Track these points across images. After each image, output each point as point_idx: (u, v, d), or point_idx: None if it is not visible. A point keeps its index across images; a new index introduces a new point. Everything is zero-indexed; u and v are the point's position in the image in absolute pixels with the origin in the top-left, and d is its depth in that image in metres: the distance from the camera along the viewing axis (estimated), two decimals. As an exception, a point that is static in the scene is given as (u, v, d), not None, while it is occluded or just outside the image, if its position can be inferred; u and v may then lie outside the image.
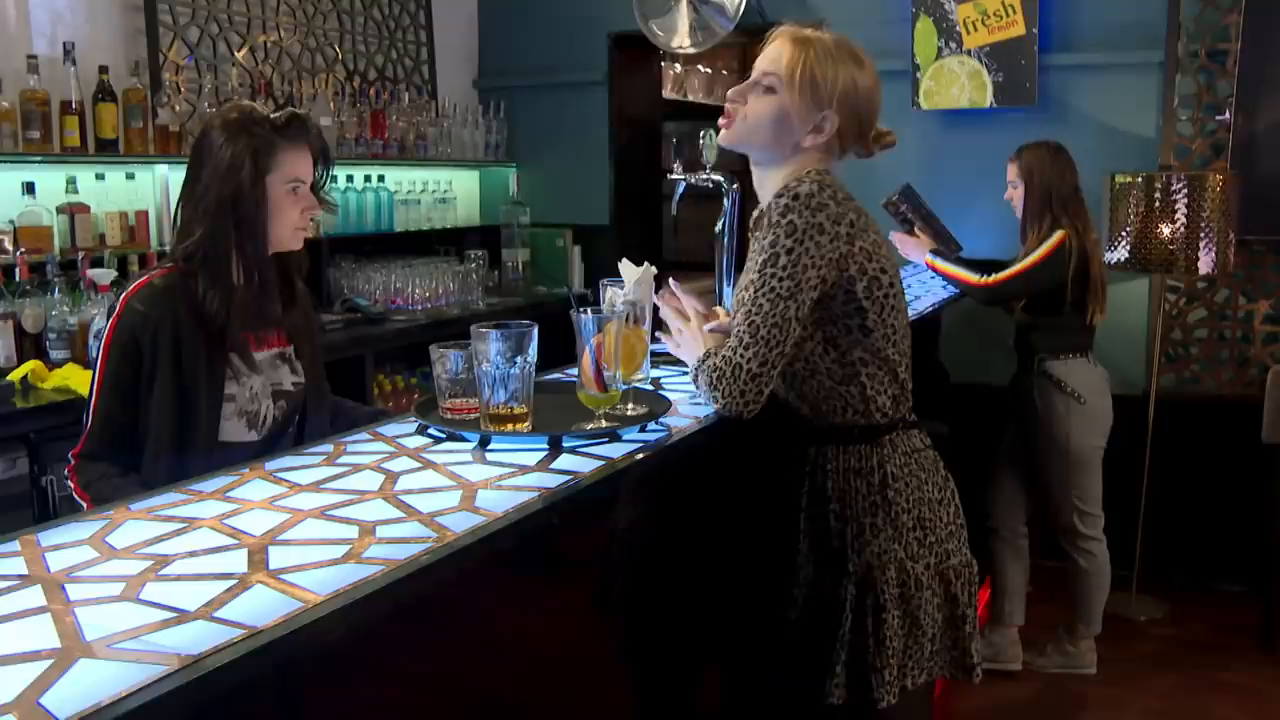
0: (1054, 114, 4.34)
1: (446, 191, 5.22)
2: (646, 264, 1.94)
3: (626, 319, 1.90)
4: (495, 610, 1.56)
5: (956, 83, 4.42)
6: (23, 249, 3.38)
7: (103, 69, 3.59)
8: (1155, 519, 4.14)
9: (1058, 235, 3.49)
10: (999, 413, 3.81)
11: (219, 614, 1.08)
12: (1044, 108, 4.33)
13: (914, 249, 3.92)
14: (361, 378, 4.01)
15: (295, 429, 2.20)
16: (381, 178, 4.80)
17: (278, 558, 1.24)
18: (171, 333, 1.98)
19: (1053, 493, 3.64)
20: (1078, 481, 3.59)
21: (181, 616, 1.08)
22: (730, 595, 2.09)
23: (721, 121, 1.95)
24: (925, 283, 3.93)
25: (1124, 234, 3.95)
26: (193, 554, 1.26)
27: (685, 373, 1.98)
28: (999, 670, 3.67)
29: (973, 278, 3.64)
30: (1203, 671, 3.73)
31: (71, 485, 2.02)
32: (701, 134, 2.40)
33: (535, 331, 1.79)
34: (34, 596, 1.15)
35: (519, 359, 1.77)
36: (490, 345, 1.76)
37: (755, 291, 1.83)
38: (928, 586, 1.95)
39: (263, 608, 1.10)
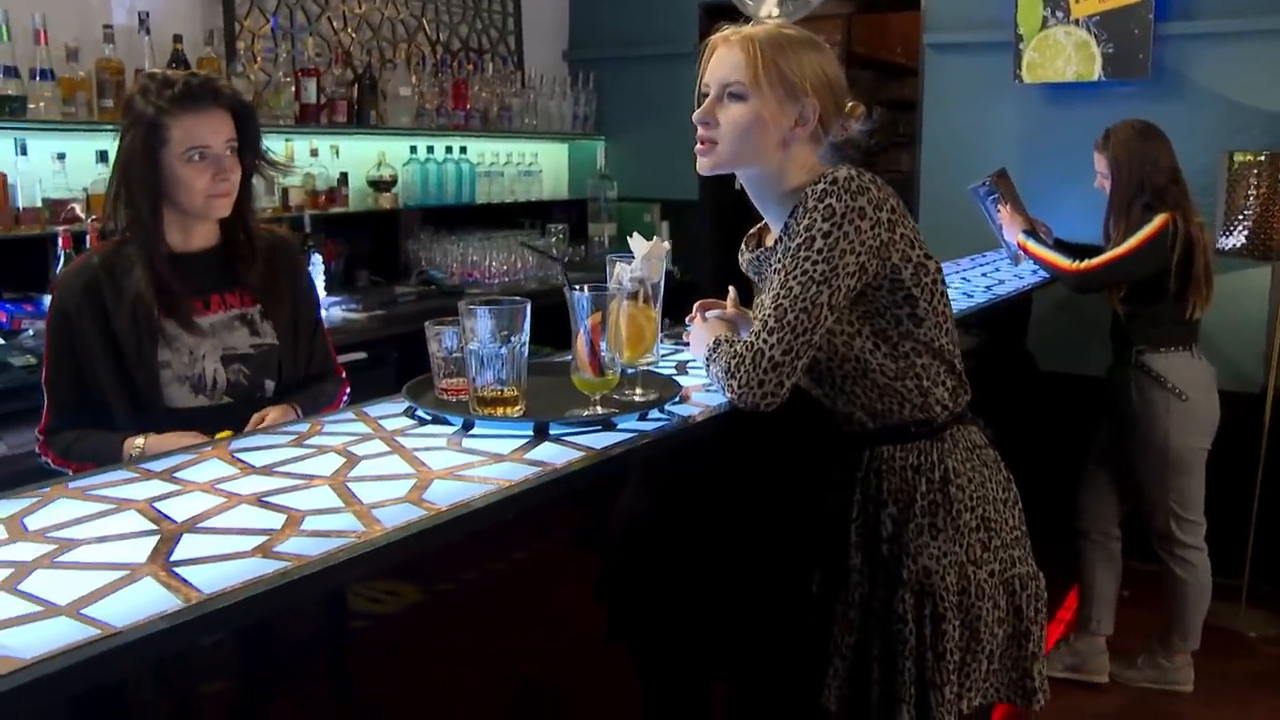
0: (1168, 88, 4.02)
1: (532, 164, 5.14)
2: (657, 238, 1.81)
3: (636, 297, 1.78)
4: (397, 621, 1.45)
5: (1062, 54, 4.13)
6: (94, 216, 3.40)
7: (177, 38, 3.60)
8: (1269, 525, 3.82)
9: (1159, 219, 3.21)
10: (1094, 406, 3.55)
11: (87, 610, 0.99)
12: (1158, 80, 4.01)
13: (1008, 226, 3.69)
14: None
15: (274, 393, 2.11)
16: (464, 149, 4.73)
17: (186, 548, 1.15)
18: (99, 305, 1.96)
19: (1148, 495, 3.37)
20: (1176, 484, 3.31)
21: (48, 610, 0.99)
22: (736, 609, 1.94)
23: (698, 149, 1.80)
24: (1000, 271, 3.71)
25: (1241, 218, 3.64)
26: (102, 540, 1.17)
27: None
28: (1083, 681, 3.45)
29: (1064, 262, 3.38)
30: (1316, 696, 3.43)
31: (49, 460, 2.00)
32: None
33: (528, 309, 1.68)
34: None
35: (512, 338, 1.66)
36: (479, 323, 1.65)
37: (786, 275, 1.68)
38: (990, 596, 1.80)
39: (135, 606, 1.00)
